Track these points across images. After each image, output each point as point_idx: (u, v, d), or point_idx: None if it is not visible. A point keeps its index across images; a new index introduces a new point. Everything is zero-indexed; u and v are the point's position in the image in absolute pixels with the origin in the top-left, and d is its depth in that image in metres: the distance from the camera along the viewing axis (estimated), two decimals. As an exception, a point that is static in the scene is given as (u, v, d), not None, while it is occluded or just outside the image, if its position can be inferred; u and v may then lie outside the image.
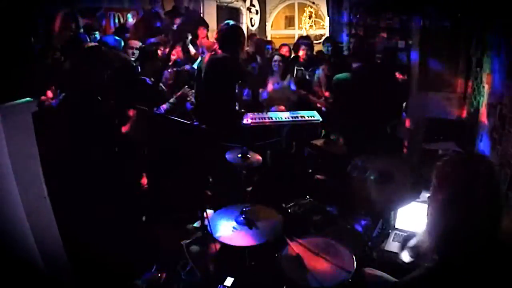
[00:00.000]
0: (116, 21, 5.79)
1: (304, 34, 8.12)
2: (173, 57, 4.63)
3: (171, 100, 3.46)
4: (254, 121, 3.88)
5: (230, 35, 3.45)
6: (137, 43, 4.28)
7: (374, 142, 3.23)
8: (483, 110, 3.50)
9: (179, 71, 4.54)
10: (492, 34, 3.32)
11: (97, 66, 2.72)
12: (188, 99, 3.70)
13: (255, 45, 5.69)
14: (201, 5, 7.42)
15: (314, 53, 5.60)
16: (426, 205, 1.30)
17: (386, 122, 3.74)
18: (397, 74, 4.49)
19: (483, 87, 3.54)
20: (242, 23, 8.87)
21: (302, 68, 5.18)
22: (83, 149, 2.55)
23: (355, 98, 3.43)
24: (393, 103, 3.72)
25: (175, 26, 5.56)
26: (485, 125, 3.40)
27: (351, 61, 3.66)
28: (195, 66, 4.62)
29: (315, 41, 7.43)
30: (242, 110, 4.01)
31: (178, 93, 3.61)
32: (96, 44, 3.85)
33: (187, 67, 4.75)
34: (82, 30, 4.52)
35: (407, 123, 4.48)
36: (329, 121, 4.26)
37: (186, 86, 3.60)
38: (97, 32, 4.63)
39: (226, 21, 3.63)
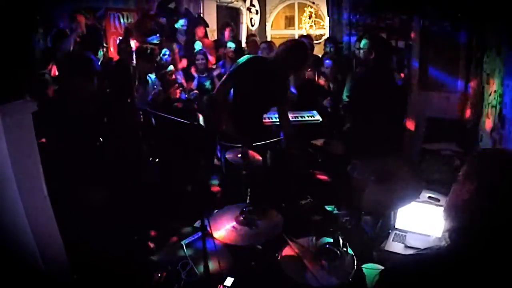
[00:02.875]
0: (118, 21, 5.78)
1: (304, 34, 8.11)
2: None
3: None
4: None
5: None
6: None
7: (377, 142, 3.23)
8: (483, 110, 3.50)
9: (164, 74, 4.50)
10: (492, 34, 3.32)
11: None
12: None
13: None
14: (201, 5, 7.43)
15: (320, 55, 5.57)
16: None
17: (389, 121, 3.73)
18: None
19: (483, 87, 3.54)
20: (242, 23, 8.87)
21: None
22: (83, 147, 2.55)
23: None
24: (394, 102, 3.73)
25: (182, 27, 5.56)
26: (486, 125, 3.40)
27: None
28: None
29: (315, 41, 7.43)
30: None
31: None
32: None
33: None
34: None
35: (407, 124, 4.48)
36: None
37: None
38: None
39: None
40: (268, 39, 8.75)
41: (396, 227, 2.74)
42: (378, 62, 3.62)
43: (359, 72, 4.02)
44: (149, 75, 4.04)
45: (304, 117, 4.17)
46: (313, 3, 9.40)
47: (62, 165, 2.53)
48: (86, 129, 2.64)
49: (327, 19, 8.02)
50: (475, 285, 1.06)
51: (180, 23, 5.59)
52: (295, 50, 3.17)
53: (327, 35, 7.80)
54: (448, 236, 1.17)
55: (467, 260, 1.09)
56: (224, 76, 3.41)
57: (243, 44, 6.43)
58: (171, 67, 4.68)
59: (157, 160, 3.61)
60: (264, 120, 3.94)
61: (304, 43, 3.34)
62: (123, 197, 2.80)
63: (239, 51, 5.33)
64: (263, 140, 3.12)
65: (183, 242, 2.91)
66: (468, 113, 4.01)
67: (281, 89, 3.34)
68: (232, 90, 3.26)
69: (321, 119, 4.17)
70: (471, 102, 3.92)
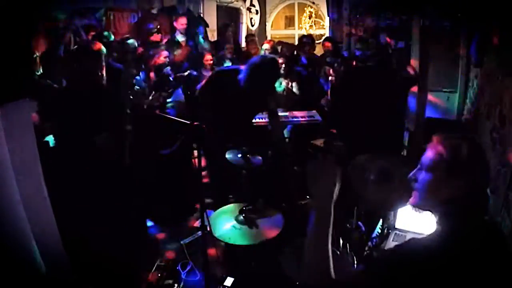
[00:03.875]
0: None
1: (305, 34, 8.11)
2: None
3: None
4: (255, 121, 3.88)
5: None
6: None
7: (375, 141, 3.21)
8: (484, 110, 3.49)
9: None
10: (492, 34, 3.32)
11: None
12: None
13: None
14: (201, 5, 7.42)
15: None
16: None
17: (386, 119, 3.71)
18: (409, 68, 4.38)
19: (483, 87, 3.54)
20: (242, 23, 8.86)
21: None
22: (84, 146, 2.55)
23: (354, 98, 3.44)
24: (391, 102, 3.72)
25: (180, 25, 5.54)
26: (485, 125, 3.39)
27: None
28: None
29: (316, 41, 7.43)
30: None
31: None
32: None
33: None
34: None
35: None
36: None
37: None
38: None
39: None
40: (268, 39, 8.74)
41: (396, 227, 2.74)
42: (373, 62, 3.60)
43: (347, 69, 3.99)
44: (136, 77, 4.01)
45: (304, 117, 4.17)
46: (313, 3, 9.40)
47: (64, 164, 2.53)
48: (90, 124, 2.63)
49: (327, 19, 8.03)
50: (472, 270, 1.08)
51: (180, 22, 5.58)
52: (259, 72, 2.83)
53: (327, 35, 7.81)
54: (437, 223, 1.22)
55: (461, 243, 1.13)
56: (201, 84, 3.35)
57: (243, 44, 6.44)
58: (168, 68, 4.65)
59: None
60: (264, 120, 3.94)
61: (268, 63, 2.94)
62: (122, 195, 2.80)
63: (238, 52, 5.34)
64: (256, 140, 3.10)
65: (183, 242, 2.92)
66: (467, 113, 4.01)
67: (259, 99, 3.05)
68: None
69: (321, 119, 4.17)
70: (471, 102, 3.92)
